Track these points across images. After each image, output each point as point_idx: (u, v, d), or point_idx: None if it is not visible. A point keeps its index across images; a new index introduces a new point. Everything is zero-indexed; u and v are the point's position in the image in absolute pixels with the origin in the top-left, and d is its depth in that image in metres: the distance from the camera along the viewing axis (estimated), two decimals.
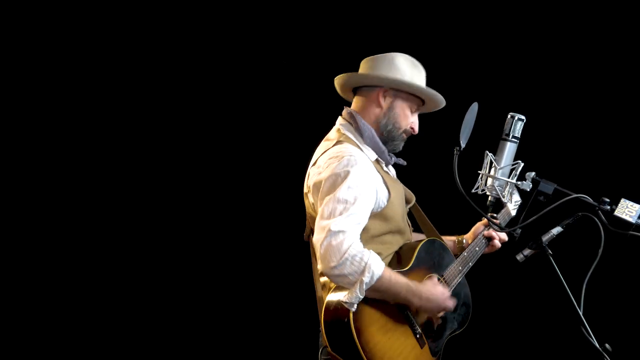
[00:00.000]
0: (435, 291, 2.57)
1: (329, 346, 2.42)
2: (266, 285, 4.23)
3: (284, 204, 3.80)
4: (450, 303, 2.61)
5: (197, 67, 4.25)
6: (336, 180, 2.45)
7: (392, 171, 2.84)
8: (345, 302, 2.37)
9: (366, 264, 2.35)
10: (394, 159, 2.76)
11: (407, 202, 2.79)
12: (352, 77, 2.71)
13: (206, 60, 4.24)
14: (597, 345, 2.40)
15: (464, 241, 2.94)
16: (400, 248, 2.66)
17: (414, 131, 2.73)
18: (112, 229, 4.20)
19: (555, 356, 4.11)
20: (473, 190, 2.53)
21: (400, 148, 2.73)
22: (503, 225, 2.88)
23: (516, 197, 3.01)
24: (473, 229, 3.00)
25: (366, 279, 2.35)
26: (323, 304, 2.47)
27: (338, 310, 2.39)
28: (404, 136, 2.72)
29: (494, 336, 4.09)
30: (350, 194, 2.42)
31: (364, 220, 2.46)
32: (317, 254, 2.39)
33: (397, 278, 2.45)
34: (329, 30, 4.21)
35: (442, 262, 2.73)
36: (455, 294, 2.70)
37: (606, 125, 4.10)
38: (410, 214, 2.85)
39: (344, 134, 2.64)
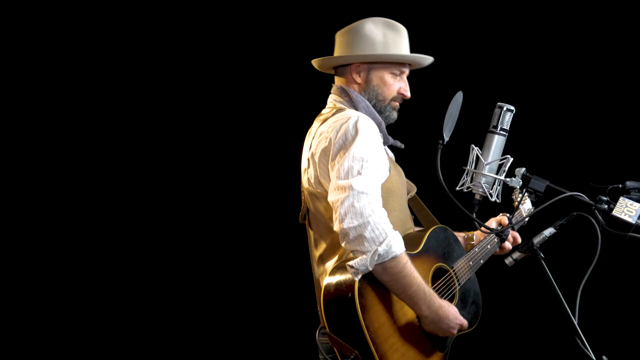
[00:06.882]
0: (449, 313, 2.40)
1: (327, 327, 2.29)
2: (262, 273, 4.16)
3: (275, 191, 3.87)
4: (455, 331, 2.43)
5: (193, 66, 4.19)
6: (347, 138, 2.36)
7: (390, 153, 2.72)
8: (351, 267, 2.25)
9: (387, 235, 2.23)
10: (390, 140, 2.64)
11: (408, 192, 2.67)
12: (324, 62, 2.64)
13: (199, 58, 4.19)
14: (593, 358, 2.34)
15: (474, 237, 2.79)
16: (406, 234, 2.51)
17: (404, 96, 2.62)
18: (107, 227, 4.15)
19: None
20: (457, 188, 2.47)
21: (394, 117, 2.62)
22: (516, 228, 2.78)
23: (528, 205, 2.83)
24: (486, 223, 2.82)
25: (381, 250, 2.22)
26: (322, 285, 2.35)
27: (340, 287, 2.27)
28: (394, 104, 2.60)
29: (482, 350, 3.90)
30: (366, 152, 2.32)
31: (380, 182, 2.36)
32: (335, 214, 2.26)
33: (412, 269, 2.29)
34: (308, 13, 4.10)
35: (453, 254, 2.60)
36: (464, 290, 2.58)
37: (603, 115, 3.97)
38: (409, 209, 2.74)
39: (340, 107, 2.56)
